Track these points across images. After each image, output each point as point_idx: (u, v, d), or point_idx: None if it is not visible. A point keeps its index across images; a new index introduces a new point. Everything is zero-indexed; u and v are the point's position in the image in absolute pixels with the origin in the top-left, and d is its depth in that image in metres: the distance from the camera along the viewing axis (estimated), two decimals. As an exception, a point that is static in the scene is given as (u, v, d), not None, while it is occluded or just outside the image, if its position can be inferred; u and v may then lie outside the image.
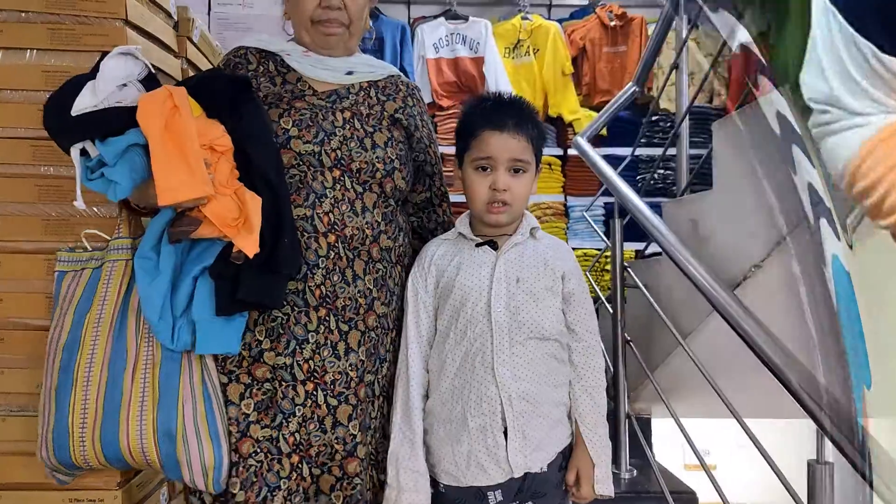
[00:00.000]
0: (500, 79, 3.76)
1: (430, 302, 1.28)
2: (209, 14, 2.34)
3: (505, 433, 1.20)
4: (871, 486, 0.99)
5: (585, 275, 3.51)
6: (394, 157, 1.29)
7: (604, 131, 3.89)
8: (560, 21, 4.01)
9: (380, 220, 1.27)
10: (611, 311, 2.20)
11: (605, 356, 2.32)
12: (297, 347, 1.18)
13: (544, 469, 1.24)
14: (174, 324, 1.12)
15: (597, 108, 3.73)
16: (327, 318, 1.20)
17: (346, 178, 1.23)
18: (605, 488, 1.28)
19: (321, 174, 1.21)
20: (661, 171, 3.65)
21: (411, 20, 4.04)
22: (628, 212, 1.97)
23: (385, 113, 1.33)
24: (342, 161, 1.23)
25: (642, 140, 4.04)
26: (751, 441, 1.48)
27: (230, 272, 1.10)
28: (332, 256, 1.20)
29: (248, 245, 1.06)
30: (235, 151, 1.12)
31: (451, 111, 3.88)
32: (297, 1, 1.28)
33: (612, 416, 2.16)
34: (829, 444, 1.09)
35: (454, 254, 1.29)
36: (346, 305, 1.22)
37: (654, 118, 3.71)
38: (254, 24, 2.52)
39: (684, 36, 2.14)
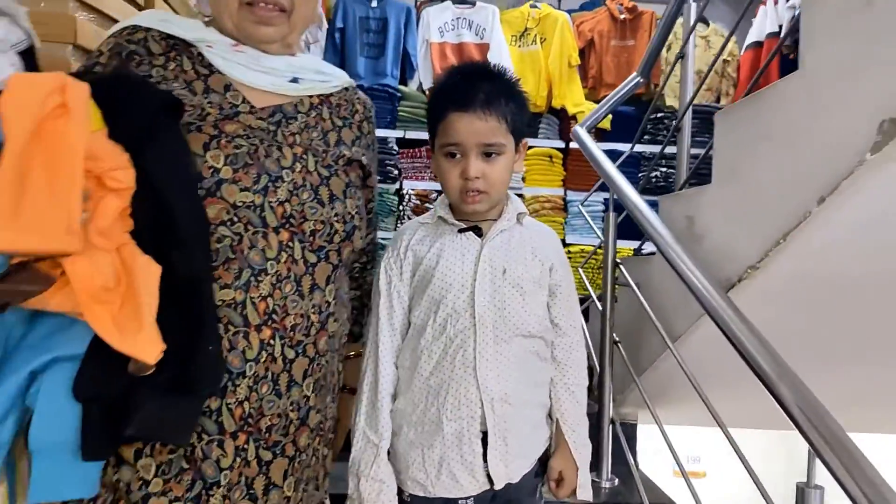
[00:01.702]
0: (506, 66, 3.65)
1: (404, 291, 1.15)
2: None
3: (483, 440, 1.09)
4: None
5: (578, 272, 3.43)
6: (353, 212, 1.00)
7: (607, 125, 3.80)
8: (569, 12, 3.91)
9: (330, 301, 0.97)
10: (600, 309, 2.10)
11: (590, 354, 2.23)
12: (204, 492, 0.84)
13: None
14: None
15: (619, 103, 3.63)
16: (246, 445, 0.87)
17: (297, 243, 0.91)
18: (585, 493, 1.20)
19: (263, 238, 0.88)
20: (664, 170, 3.55)
21: (417, 2, 3.95)
22: (623, 205, 1.87)
23: (342, 146, 1.03)
24: (292, 219, 0.90)
25: (646, 137, 3.96)
26: (736, 454, 1.39)
27: (109, 387, 0.71)
28: (263, 360, 0.87)
29: (146, 348, 0.69)
30: (137, 196, 0.76)
31: (452, 97, 3.78)
32: None
33: (596, 421, 2.07)
34: (820, 466, 0.99)
35: (434, 239, 1.15)
36: (273, 426, 0.90)
37: (659, 115, 3.61)
38: None
39: (692, 23, 2.03)
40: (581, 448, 1.20)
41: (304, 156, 0.95)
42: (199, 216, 0.82)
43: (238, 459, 0.86)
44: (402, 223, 3.74)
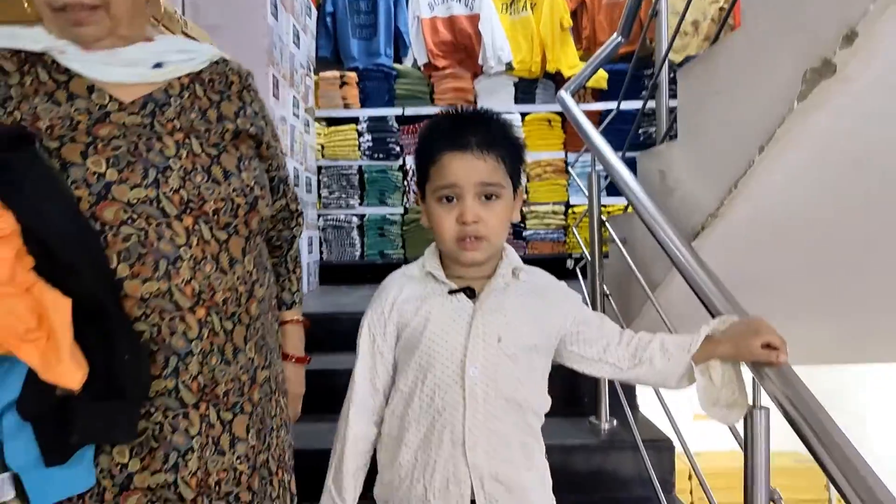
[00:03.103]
0: (497, 35, 3.71)
1: (389, 353, 1.08)
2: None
3: None
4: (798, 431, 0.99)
5: (573, 231, 3.50)
6: (251, 184, 1.00)
7: (604, 85, 3.84)
8: (558, -27, 3.91)
9: (251, 270, 1.01)
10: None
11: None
12: (180, 460, 0.91)
13: None
14: None
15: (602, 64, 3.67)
16: (207, 411, 0.94)
17: (202, 225, 0.93)
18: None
19: (168, 227, 0.89)
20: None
21: (406, -21, 4.00)
22: (602, 164, 1.96)
23: (225, 121, 1.01)
24: (191, 204, 0.92)
25: (644, 94, 3.98)
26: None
27: (48, 404, 0.79)
28: (206, 336, 0.93)
29: (67, 377, 0.76)
30: (26, 234, 0.78)
31: (447, 71, 3.85)
32: None
33: (594, 370, 2.19)
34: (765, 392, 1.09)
35: (421, 299, 1.06)
36: (229, 390, 0.97)
37: (652, 71, 3.62)
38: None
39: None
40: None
41: (188, 140, 0.94)
42: (81, 237, 0.84)
43: (203, 424, 0.93)
44: (407, 198, 3.85)
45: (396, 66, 3.91)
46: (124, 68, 0.94)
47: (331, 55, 3.97)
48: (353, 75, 3.83)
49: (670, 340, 1.07)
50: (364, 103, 3.87)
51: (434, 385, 1.02)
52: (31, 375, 0.77)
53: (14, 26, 0.94)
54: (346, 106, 3.85)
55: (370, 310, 1.10)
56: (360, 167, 3.88)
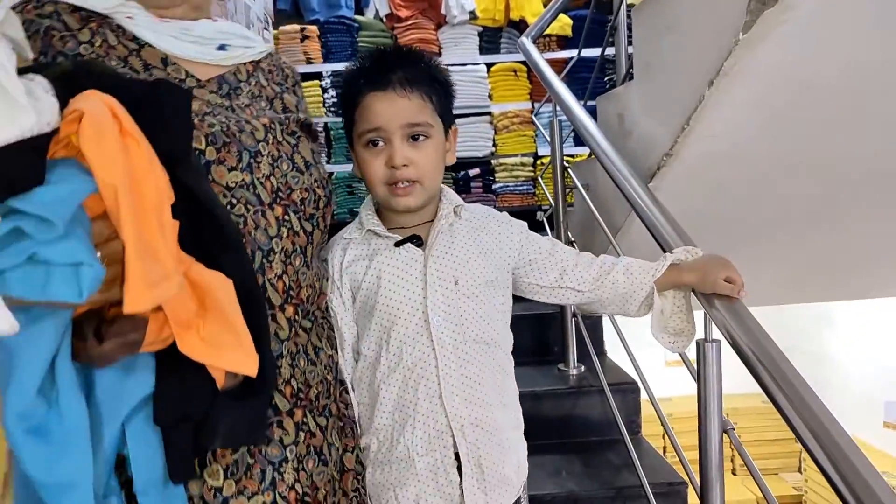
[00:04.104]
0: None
1: (347, 317, 1.03)
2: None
3: (458, 469, 1.00)
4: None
5: (539, 180, 3.48)
6: (325, 176, 0.96)
7: (569, 32, 3.79)
8: (520, -84, 3.81)
9: (319, 268, 0.97)
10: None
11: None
12: (276, 473, 0.82)
13: None
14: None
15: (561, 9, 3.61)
16: (305, 418, 0.87)
17: (292, 215, 0.87)
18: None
19: (263, 216, 0.83)
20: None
21: (364, -74, 3.87)
22: (563, 111, 1.95)
23: (291, 111, 0.96)
24: (280, 192, 0.86)
25: (611, 40, 3.95)
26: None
27: (193, 410, 0.68)
28: (292, 335, 0.87)
29: (245, 363, 0.67)
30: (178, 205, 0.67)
31: (409, 23, 3.77)
32: None
33: (560, 318, 2.22)
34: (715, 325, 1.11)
35: (368, 257, 1.02)
36: (320, 393, 0.91)
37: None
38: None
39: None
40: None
41: (273, 125, 0.88)
42: (233, 220, 0.79)
43: (301, 433, 0.85)
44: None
45: (358, 17, 3.81)
46: (193, 45, 0.86)
47: (290, 7, 3.86)
48: (314, 28, 3.73)
49: (636, 264, 1.08)
50: (326, 58, 3.78)
51: (400, 342, 0.99)
52: (166, 380, 0.65)
53: None
54: (309, 61, 3.76)
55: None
56: (325, 124, 3.82)
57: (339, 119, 3.77)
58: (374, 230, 1.02)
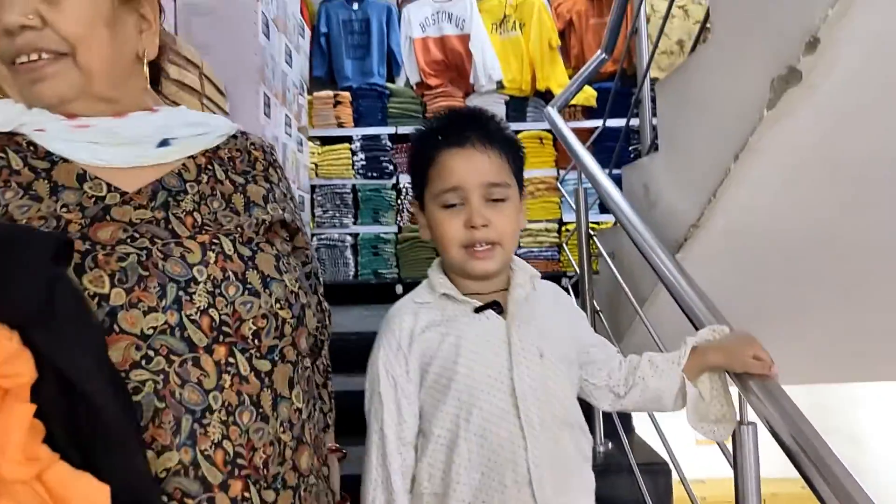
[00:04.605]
0: (487, 54, 3.75)
1: (414, 395, 0.91)
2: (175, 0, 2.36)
3: None
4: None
5: (563, 248, 3.48)
6: (295, 289, 0.78)
7: (594, 103, 3.87)
8: (547, -6, 3.97)
9: (301, 407, 0.77)
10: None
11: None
12: None
13: None
14: None
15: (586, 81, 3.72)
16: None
17: (239, 355, 0.69)
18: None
19: (194, 365, 0.66)
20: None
21: (398, 0, 4.05)
22: (587, 179, 1.97)
23: (254, 208, 0.80)
24: (224, 328, 0.69)
25: (635, 111, 4.03)
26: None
27: None
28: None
29: None
30: (38, 385, 0.52)
31: (439, 90, 3.89)
32: None
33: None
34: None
35: (444, 324, 0.92)
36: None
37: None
38: (226, 9, 2.54)
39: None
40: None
41: (216, 240, 0.72)
42: (118, 392, 0.60)
43: None
44: (401, 217, 3.86)
45: (389, 85, 3.94)
46: (123, 147, 0.73)
47: (325, 75, 4.01)
48: (346, 94, 3.86)
49: (658, 357, 1.03)
50: (357, 122, 3.90)
51: (483, 421, 0.88)
52: None
53: None
54: (340, 125, 3.88)
55: (381, 348, 0.93)
56: (353, 186, 3.90)
57: (368, 181, 3.86)
58: (449, 293, 0.93)
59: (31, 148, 0.70)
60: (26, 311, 0.53)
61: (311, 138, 3.73)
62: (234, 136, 0.86)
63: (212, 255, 0.71)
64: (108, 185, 0.71)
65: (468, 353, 0.90)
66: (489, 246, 0.90)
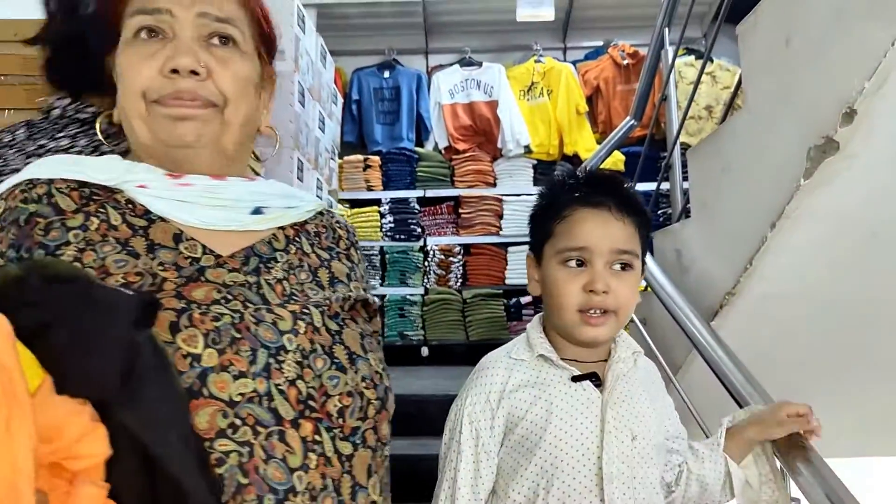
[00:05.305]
0: (515, 120, 3.82)
1: (495, 451, 0.88)
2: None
3: None
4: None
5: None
6: (380, 369, 0.75)
7: (622, 167, 3.89)
8: (574, 62, 4.07)
9: (377, 499, 0.72)
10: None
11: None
12: None
13: None
14: None
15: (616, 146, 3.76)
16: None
17: (325, 433, 0.66)
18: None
19: (280, 439, 0.63)
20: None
21: (429, 68, 4.18)
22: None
23: (338, 284, 0.79)
24: (311, 402, 0.66)
25: (665, 175, 4.05)
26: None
27: None
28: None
29: None
30: (116, 458, 0.48)
31: (466, 155, 3.95)
32: (127, 66, 0.72)
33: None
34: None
35: (538, 386, 0.88)
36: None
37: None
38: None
39: (670, 65, 2.14)
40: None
41: (306, 310, 0.70)
42: (212, 478, 0.57)
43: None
44: (428, 279, 3.86)
45: (418, 149, 4.03)
46: (219, 210, 0.73)
47: (355, 139, 4.11)
48: (376, 158, 3.95)
49: (697, 444, 1.00)
50: (386, 185, 3.97)
51: (563, 495, 0.84)
52: None
53: (71, 156, 0.73)
54: (369, 188, 3.95)
55: (469, 397, 0.90)
56: (381, 248, 3.93)
57: (395, 243, 3.89)
58: (547, 356, 0.90)
59: (130, 205, 0.71)
60: (105, 382, 0.49)
61: (340, 201, 3.79)
62: (321, 213, 0.86)
63: (301, 324, 0.69)
64: (204, 246, 0.71)
65: (558, 422, 0.86)
66: (604, 313, 0.87)
